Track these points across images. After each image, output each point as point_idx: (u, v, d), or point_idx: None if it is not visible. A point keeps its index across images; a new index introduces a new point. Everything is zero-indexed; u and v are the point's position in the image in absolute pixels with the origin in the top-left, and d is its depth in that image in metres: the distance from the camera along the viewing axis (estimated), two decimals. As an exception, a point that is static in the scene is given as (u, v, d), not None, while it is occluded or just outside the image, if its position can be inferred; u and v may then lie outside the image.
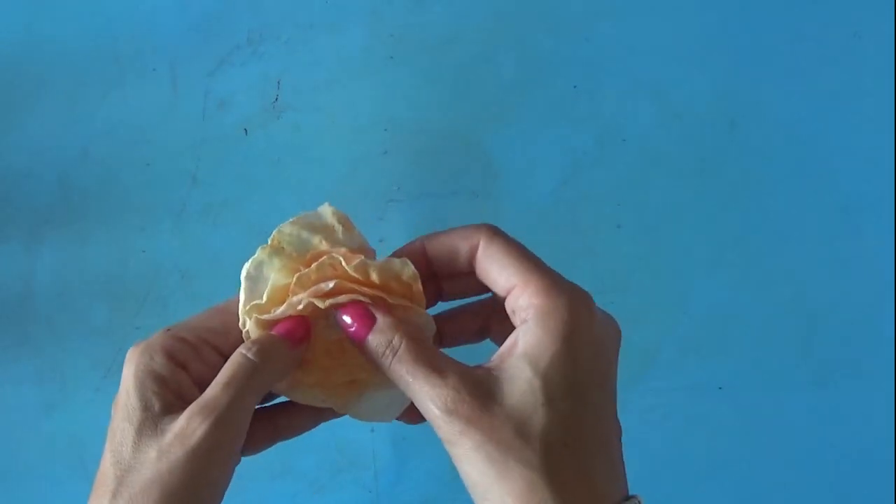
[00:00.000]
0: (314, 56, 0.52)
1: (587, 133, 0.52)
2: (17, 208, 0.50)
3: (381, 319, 0.30)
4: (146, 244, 0.50)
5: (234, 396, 0.28)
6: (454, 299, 0.34)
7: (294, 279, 0.31)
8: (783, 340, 0.52)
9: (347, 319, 0.30)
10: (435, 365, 0.28)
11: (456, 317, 0.34)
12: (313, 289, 0.30)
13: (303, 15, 0.52)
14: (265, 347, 0.30)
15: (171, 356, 0.30)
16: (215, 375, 0.30)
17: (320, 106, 0.51)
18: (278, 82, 0.52)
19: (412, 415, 0.33)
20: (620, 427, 0.29)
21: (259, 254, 0.31)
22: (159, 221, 0.50)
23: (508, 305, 0.30)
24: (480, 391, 0.27)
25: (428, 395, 0.27)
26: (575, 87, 0.52)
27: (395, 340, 0.29)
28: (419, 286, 0.31)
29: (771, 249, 0.52)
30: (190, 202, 0.51)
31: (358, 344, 0.30)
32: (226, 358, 0.30)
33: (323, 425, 0.35)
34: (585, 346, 0.28)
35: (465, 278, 0.32)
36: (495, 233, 0.31)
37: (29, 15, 0.52)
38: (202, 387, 0.29)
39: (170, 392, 0.29)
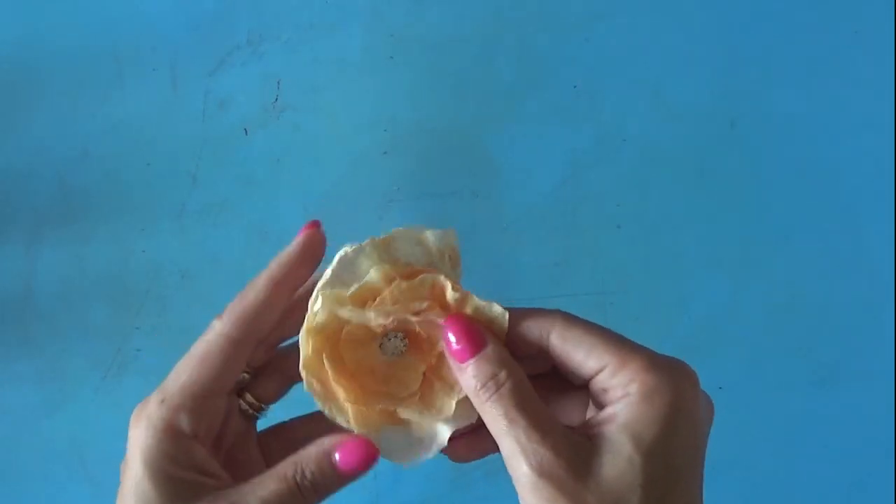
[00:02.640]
0: (314, 56, 0.52)
1: (587, 133, 0.52)
2: (17, 208, 0.50)
3: (492, 347, 0.28)
4: (146, 244, 0.50)
5: None
6: None
7: (392, 285, 0.29)
8: (783, 340, 0.52)
9: (453, 337, 0.28)
10: (539, 417, 0.26)
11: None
12: (408, 304, 0.29)
13: (303, 15, 0.52)
14: (324, 482, 0.28)
15: (179, 432, 0.28)
16: (221, 423, 0.29)
17: (320, 106, 0.51)
18: (278, 82, 0.52)
19: (459, 450, 0.31)
20: None
21: (366, 244, 0.30)
22: (159, 221, 0.50)
23: (597, 385, 0.28)
24: (578, 458, 0.26)
25: (523, 448, 0.26)
26: (575, 87, 0.52)
27: (502, 376, 0.27)
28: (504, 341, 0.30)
29: (771, 249, 0.52)
30: (190, 202, 0.51)
31: (457, 364, 0.28)
32: (224, 397, 0.29)
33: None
34: (688, 427, 0.27)
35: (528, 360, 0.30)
36: (571, 318, 0.29)
37: (29, 15, 0.52)
38: (215, 444, 0.29)
39: (187, 470, 0.28)
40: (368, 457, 0.28)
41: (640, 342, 0.32)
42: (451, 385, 0.30)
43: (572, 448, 0.26)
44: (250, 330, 0.30)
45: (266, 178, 0.51)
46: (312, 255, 0.31)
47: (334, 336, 0.30)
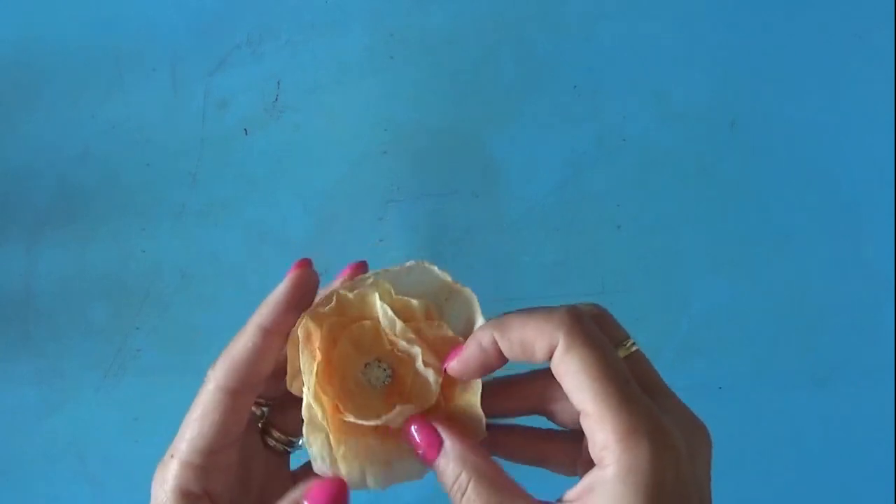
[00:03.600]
0: (314, 56, 0.52)
1: (587, 133, 0.52)
2: (17, 208, 0.50)
3: (449, 446, 0.27)
4: (146, 244, 0.50)
5: None
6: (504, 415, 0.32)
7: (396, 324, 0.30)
8: (783, 340, 0.52)
9: (416, 437, 0.28)
10: None
11: (501, 393, 0.31)
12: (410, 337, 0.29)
13: (303, 15, 0.52)
14: None
15: (189, 493, 0.28)
16: (233, 478, 0.29)
17: (320, 106, 0.51)
18: (278, 82, 0.52)
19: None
20: None
21: (370, 279, 0.30)
22: (159, 221, 0.50)
23: (583, 425, 0.27)
24: None
25: None
26: (575, 87, 0.52)
27: (463, 478, 0.27)
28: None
29: (771, 249, 0.52)
30: (190, 202, 0.51)
31: (428, 465, 0.28)
32: (235, 448, 0.29)
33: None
34: (673, 501, 0.25)
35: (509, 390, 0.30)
36: (575, 335, 0.26)
37: (29, 15, 0.52)
38: (243, 489, 0.29)
39: None
40: (335, 495, 0.28)
41: (639, 342, 0.31)
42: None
43: None
44: (244, 380, 0.29)
45: (266, 178, 0.51)
46: (302, 297, 0.30)
47: (331, 341, 0.30)
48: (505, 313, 0.29)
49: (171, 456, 0.29)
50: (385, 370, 0.31)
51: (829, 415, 0.52)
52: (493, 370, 0.29)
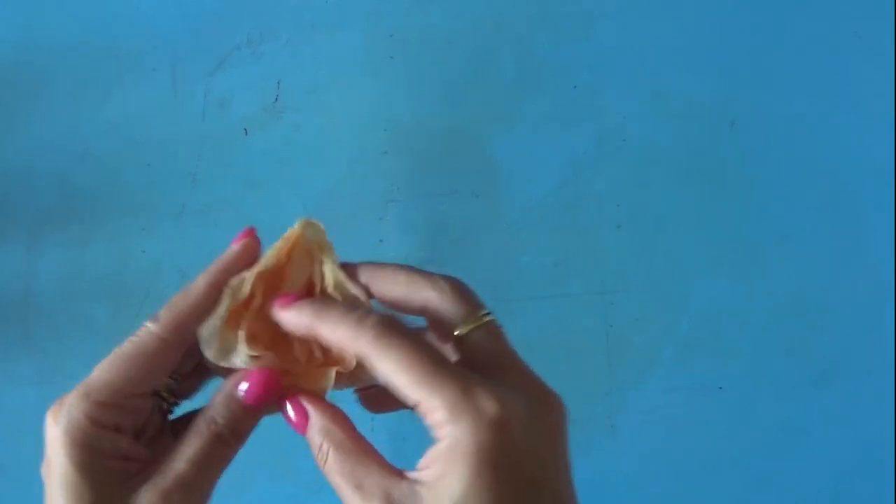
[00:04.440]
0: (314, 56, 0.52)
1: (587, 133, 0.52)
2: (18, 208, 0.50)
3: (315, 418, 0.29)
4: (146, 244, 0.50)
5: (206, 473, 0.28)
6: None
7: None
8: (783, 340, 0.52)
9: (291, 413, 0.30)
10: (358, 482, 0.27)
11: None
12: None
13: (303, 15, 0.52)
14: (237, 421, 0.29)
15: (101, 425, 0.29)
16: (146, 418, 0.30)
17: (320, 106, 0.51)
18: (278, 82, 0.52)
19: (366, 403, 0.33)
20: None
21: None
22: (159, 221, 0.50)
23: (419, 414, 0.28)
24: None
25: None
26: (575, 87, 0.52)
27: (324, 447, 0.28)
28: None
29: (771, 249, 0.52)
30: (190, 202, 0.51)
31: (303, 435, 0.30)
32: (150, 396, 0.30)
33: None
34: (502, 471, 0.26)
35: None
36: (378, 339, 0.28)
37: (29, 15, 0.52)
38: (139, 434, 0.29)
39: (114, 460, 0.29)
40: (270, 383, 0.29)
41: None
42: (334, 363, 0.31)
43: None
44: (184, 333, 0.30)
45: (266, 178, 0.51)
46: (248, 262, 0.32)
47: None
48: (325, 302, 0.30)
49: (86, 394, 0.29)
50: None
51: (829, 415, 0.51)
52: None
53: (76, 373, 0.52)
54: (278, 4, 0.52)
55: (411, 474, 0.27)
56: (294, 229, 0.32)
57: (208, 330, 0.30)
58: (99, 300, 0.50)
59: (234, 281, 0.31)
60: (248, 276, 0.31)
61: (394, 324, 0.28)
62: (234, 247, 0.32)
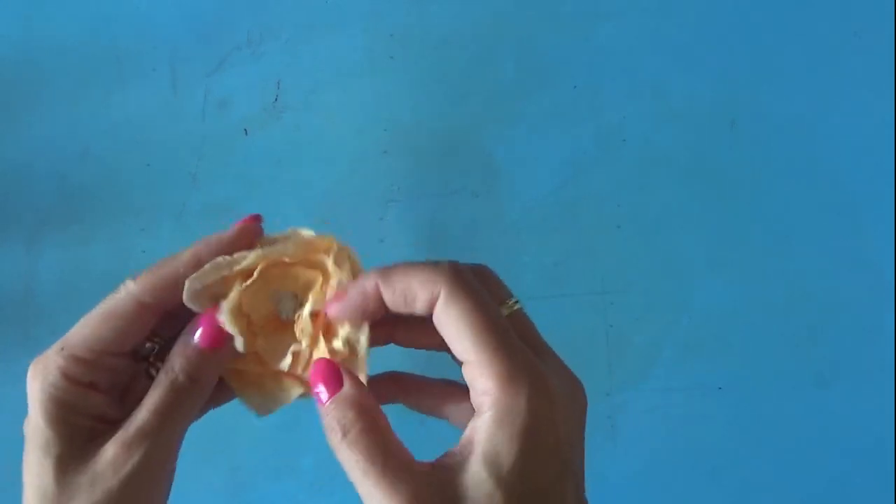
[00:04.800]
0: (314, 56, 0.52)
1: (587, 133, 0.52)
2: (18, 208, 0.50)
3: (349, 390, 0.28)
4: (146, 244, 0.50)
5: (166, 422, 0.28)
6: (409, 347, 0.32)
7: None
8: (783, 340, 0.52)
9: (315, 378, 0.29)
10: (392, 463, 0.25)
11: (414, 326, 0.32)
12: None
13: (303, 15, 0.52)
14: (194, 368, 0.29)
15: (76, 381, 0.29)
16: (122, 379, 0.30)
17: (320, 106, 0.51)
18: (278, 82, 0.52)
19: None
20: None
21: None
22: (159, 221, 0.50)
23: (466, 375, 0.27)
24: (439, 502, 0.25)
25: (378, 500, 0.25)
26: (575, 87, 0.52)
27: (349, 422, 0.27)
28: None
29: (771, 249, 0.52)
30: (190, 202, 0.51)
31: (320, 403, 0.28)
32: (126, 356, 0.30)
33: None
34: (548, 447, 0.26)
35: (421, 326, 0.29)
36: (456, 287, 0.27)
37: (29, 15, 0.52)
38: (114, 396, 0.29)
39: (86, 417, 0.29)
40: (218, 328, 0.29)
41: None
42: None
43: (432, 492, 0.25)
44: (162, 298, 0.30)
45: (266, 178, 0.51)
46: (243, 245, 0.32)
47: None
48: (391, 265, 0.29)
49: (61, 348, 0.30)
50: (296, 300, 0.32)
51: (829, 415, 0.52)
52: (373, 318, 0.30)
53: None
54: (278, 4, 0.52)
55: (448, 458, 0.26)
56: (325, 239, 0.31)
57: (197, 283, 0.30)
58: (99, 300, 0.50)
59: (238, 254, 0.31)
60: (254, 254, 0.31)
61: (466, 274, 0.28)
62: (235, 226, 0.32)
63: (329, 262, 0.31)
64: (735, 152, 0.52)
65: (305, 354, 0.31)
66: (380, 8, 0.52)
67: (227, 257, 0.31)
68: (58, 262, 0.50)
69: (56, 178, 0.50)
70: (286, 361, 0.31)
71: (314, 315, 0.31)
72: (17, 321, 0.50)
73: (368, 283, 0.29)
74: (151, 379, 0.32)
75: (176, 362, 0.29)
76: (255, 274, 0.31)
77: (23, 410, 0.49)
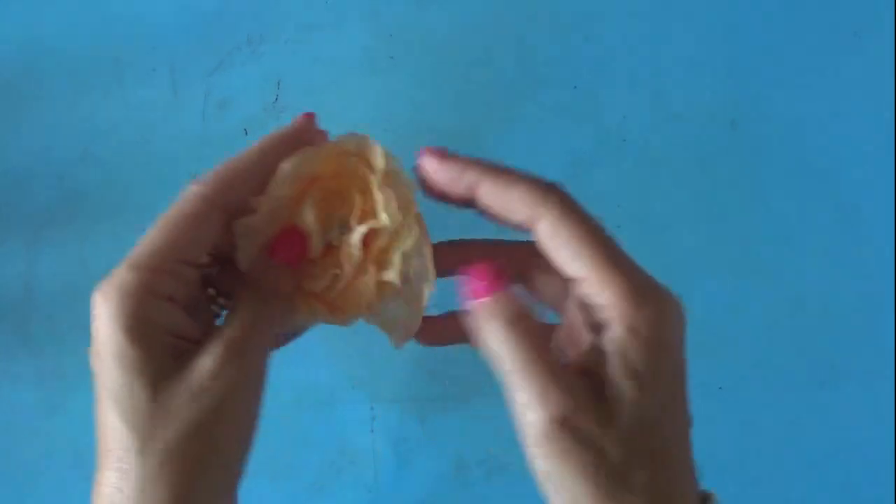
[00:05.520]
0: (314, 56, 0.52)
1: (587, 133, 0.52)
2: (18, 208, 0.50)
3: (517, 288, 0.28)
4: (146, 244, 0.50)
5: (259, 334, 0.28)
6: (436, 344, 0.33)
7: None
8: (783, 340, 0.52)
9: (476, 275, 0.28)
10: (556, 364, 0.26)
11: (488, 252, 0.32)
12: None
13: (303, 15, 0.52)
14: (273, 280, 0.29)
15: (157, 293, 0.27)
16: (196, 294, 0.29)
17: (320, 106, 0.51)
18: (278, 82, 0.52)
19: (427, 334, 0.32)
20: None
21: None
22: (159, 221, 0.50)
23: (582, 293, 0.27)
24: (596, 408, 0.25)
25: (541, 396, 0.25)
26: (575, 87, 0.52)
27: (525, 315, 0.27)
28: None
29: (771, 249, 0.52)
30: (190, 202, 0.51)
31: (476, 301, 0.27)
32: (197, 269, 0.28)
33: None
34: (674, 361, 0.28)
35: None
36: (567, 210, 0.27)
37: (29, 15, 0.52)
38: (190, 312, 0.28)
39: (168, 335, 0.27)
40: (301, 240, 0.29)
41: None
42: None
43: (589, 397, 0.25)
44: (229, 193, 0.28)
45: (266, 178, 0.51)
46: (306, 139, 0.31)
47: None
48: (494, 164, 0.30)
49: (132, 265, 0.27)
50: (343, 225, 0.31)
51: (829, 415, 0.51)
52: (454, 198, 0.31)
53: (76, 373, 0.52)
54: (278, 4, 0.52)
55: (587, 370, 0.26)
56: (354, 141, 0.31)
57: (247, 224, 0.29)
58: (99, 300, 0.50)
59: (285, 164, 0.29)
60: (291, 177, 0.30)
61: (572, 196, 0.28)
62: (292, 123, 0.31)
63: (374, 184, 0.31)
64: (735, 153, 0.52)
65: (345, 281, 0.30)
66: (380, 8, 0.52)
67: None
68: (58, 262, 0.50)
69: (56, 179, 0.50)
70: (322, 284, 0.30)
71: (364, 242, 0.30)
72: (17, 321, 0.50)
73: (470, 173, 0.29)
74: (213, 301, 0.31)
75: (256, 277, 0.29)
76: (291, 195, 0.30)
77: (23, 410, 0.50)
